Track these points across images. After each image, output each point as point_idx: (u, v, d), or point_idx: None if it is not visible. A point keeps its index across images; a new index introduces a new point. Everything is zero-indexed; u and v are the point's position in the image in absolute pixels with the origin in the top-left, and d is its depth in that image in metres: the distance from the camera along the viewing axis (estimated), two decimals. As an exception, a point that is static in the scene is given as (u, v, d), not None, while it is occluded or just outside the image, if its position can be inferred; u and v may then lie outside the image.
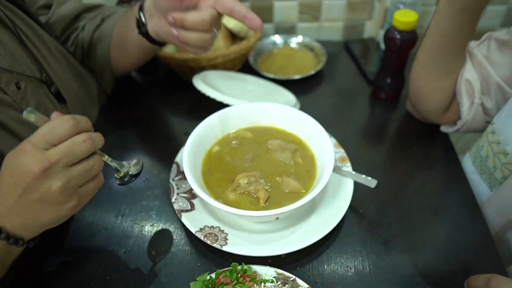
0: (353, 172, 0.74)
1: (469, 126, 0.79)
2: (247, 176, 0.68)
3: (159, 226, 0.71)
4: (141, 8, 0.76)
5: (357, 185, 0.73)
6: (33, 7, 0.80)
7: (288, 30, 1.25)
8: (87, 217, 0.72)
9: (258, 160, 0.73)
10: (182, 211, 0.69)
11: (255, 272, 0.59)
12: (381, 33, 1.14)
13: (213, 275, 0.58)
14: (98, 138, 0.51)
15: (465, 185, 0.77)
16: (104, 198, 0.75)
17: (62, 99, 0.75)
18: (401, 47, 0.87)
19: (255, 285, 0.56)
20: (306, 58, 1.12)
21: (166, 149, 0.84)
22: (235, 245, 0.63)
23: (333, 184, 0.73)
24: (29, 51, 0.69)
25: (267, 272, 0.60)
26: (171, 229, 0.71)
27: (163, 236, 0.70)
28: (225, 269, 0.59)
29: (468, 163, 0.79)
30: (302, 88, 1.01)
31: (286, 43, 1.17)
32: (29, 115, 0.48)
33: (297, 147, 0.74)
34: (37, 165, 0.45)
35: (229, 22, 0.99)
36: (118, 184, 0.58)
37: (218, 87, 0.89)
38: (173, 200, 0.70)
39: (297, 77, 1.03)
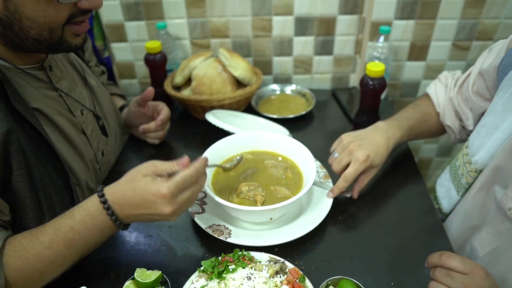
0: (331, 184, 0.92)
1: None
2: (248, 185, 0.86)
3: (175, 227, 0.87)
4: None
5: (337, 196, 0.90)
6: (89, 64, 1.04)
7: (284, 80, 1.48)
8: (130, 232, 0.89)
9: (256, 175, 0.91)
10: (195, 213, 0.86)
11: (253, 256, 0.75)
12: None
13: (219, 258, 0.73)
14: (203, 182, 0.73)
15: (424, 192, 0.95)
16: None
17: (105, 132, 0.96)
18: (373, 91, 1.08)
19: (252, 263, 0.72)
20: (299, 102, 1.34)
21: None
22: (237, 238, 0.80)
23: (317, 195, 0.90)
24: (90, 89, 0.91)
25: (262, 257, 0.76)
26: (185, 228, 0.87)
27: (178, 233, 0.86)
28: (229, 254, 0.75)
29: (446, 172, 0.97)
30: (294, 125, 1.21)
31: (282, 90, 1.40)
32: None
33: (287, 165, 0.93)
34: (168, 209, 0.67)
35: (236, 71, 1.22)
36: None
37: (226, 121, 1.09)
38: (187, 205, 0.88)
39: (290, 116, 1.24)
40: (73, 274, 0.74)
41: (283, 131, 1.14)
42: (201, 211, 0.87)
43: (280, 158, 0.96)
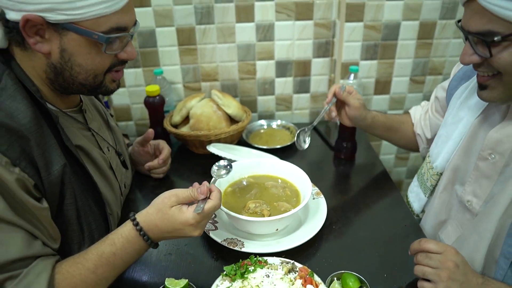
0: (323, 199, 1.06)
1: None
2: (254, 202, 0.99)
3: (190, 245, 0.98)
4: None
5: (329, 209, 1.05)
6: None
7: (268, 116, 1.66)
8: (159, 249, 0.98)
9: (259, 194, 1.04)
10: (209, 230, 0.97)
11: (266, 260, 0.87)
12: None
13: (239, 263, 0.85)
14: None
15: (401, 202, 1.11)
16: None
17: (126, 166, 1.08)
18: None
19: (268, 265, 0.84)
20: (284, 135, 1.51)
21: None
22: (250, 247, 0.92)
23: (313, 208, 1.05)
24: (111, 129, 1.03)
25: (274, 260, 0.87)
26: (199, 245, 0.98)
27: (194, 250, 0.96)
28: (246, 259, 0.86)
29: (415, 180, 1.14)
30: (282, 154, 1.37)
31: (269, 125, 1.57)
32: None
33: (285, 185, 1.07)
34: (195, 233, 0.80)
35: (229, 109, 1.38)
36: None
37: (224, 152, 1.24)
38: (201, 224, 0.99)
39: (278, 146, 1.40)
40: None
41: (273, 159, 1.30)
42: (214, 228, 0.98)
43: (279, 180, 1.10)
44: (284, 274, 0.81)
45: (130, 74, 1.52)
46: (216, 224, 1.00)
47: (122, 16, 0.76)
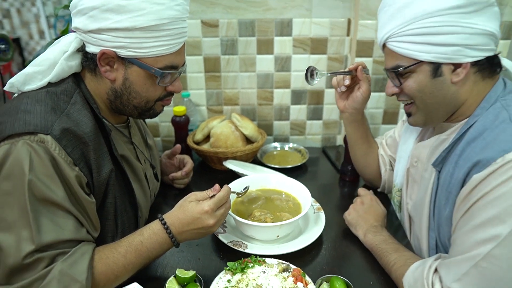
0: (323, 214, 1.18)
1: (389, 186, 1.29)
2: (259, 211, 1.12)
3: (201, 245, 1.11)
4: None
5: (328, 223, 1.16)
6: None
7: (283, 140, 1.80)
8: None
9: (265, 205, 1.17)
10: (219, 233, 1.10)
11: (265, 259, 0.99)
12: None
13: (240, 260, 0.97)
14: (230, 204, 1.00)
15: (395, 219, 1.21)
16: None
17: (157, 178, 1.25)
18: (354, 144, 1.40)
19: (265, 263, 0.96)
20: (296, 157, 1.64)
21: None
22: (252, 249, 1.04)
23: (313, 221, 1.16)
24: (147, 146, 1.21)
25: (272, 261, 0.99)
26: (208, 246, 1.11)
27: (204, 250, 1.09)
28: (247, 258, 0.99)
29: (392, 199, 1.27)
30: (292, 174, 1.49)
31: (282, 147, 1.71)
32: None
33: (289, 198, 1.20)
34: (211, 221, 0.93)
35: (246, 130, 1.54)
36: None
37: (238, 168, 1.38)
38: (212, 227, 1.13)
39: (289, 166, 1.53)
40: (127, 274, 0.97)
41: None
42: (223, 231, 1.12)
43: (283, 194, 1.23)
44: (279, 272, 0.93)
45: (161, 96, 1.71)
46: (225, 228, 1.13)
47: (176, 57, 0.95)
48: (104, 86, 0.96)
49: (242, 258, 0.98)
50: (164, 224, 0.93)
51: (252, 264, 0.95)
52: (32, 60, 1.48)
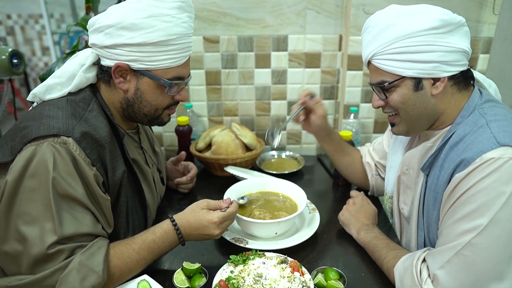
0: (318, 214, 1.27)
1: (377, 189, 1.38)
2: (259, 210, 1.22)
3: (205, 242, 1.20)
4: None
5: (322, 222, 1.25)
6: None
7: (280, 148, 1.90)
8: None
9: (264, 205, 1.27)
10: (221, 231, 1.19)
11: (264, 253, 1.07)
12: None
13: (242, 253, 1.06)
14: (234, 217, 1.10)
15: (385, 218, 1.30)
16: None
17: (163, 182, 1.34)
18: (345, 150, 1.50)
19: (265, 256, 1.05)
20: (292, 163, 1.74)
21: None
22: (252, 245, 1.13)
23: (308, 220, 1.26)
24: (154, 152, 1.30)
25: (271, 254, 1.08)
26: (212, 242, 1.19)
27: (207, 246, 1.18)
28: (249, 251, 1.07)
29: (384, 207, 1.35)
30: (289, 179, 1.57)
31: (279, 155, 1.81)
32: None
33: (286, 199, 1.30)
34: (217, 231, 1.03)
35: (245, 139, 1.64)
36: None
37: (239, 172, 1.48)
38: (215, 226, 1.21)
39: (286, 172, 1.63)
40: (138, 267, 1.05)
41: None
42: (226, 230, 1.20)
43: (280, 196, 1.32)
44: (277, 263, 1.02)
45: (165, 107, 1.81)
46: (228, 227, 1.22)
47: (182, 69, 1.06)
48: (117, 96, 1.06)
49: (244, 252, 1.07)
50: (175, 225, 1.02)
51: (253, 257, 1.04)
52: (43, 74, 1.59)
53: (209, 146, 1.69)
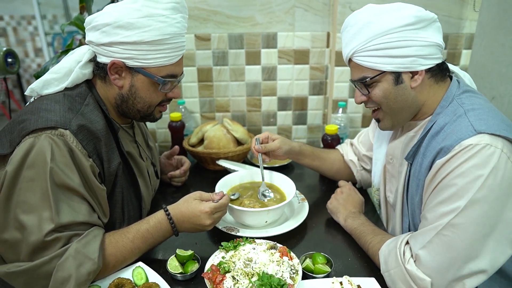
0: (307, 203, 1.32)
1: (365, 183, 1.43)
2: (249, 200, 1.26)
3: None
4: None
5: (311, 211, 1.30)
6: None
7: (271, 143, 1.94)
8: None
9: (254, 196, 1.31)
10: (213, 220, 1.23)
11: (254, 240, 1.12)
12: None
13: (233, 240, 1.10)
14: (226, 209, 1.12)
15: (373, 208, 1.35)
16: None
17: (158, 176, 1.39)
18: (330, 143, 1.55)
19: (255, 242, 1.09)
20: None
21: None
22: (243, 233, 1.17)
23: (297, 209, 1.30)
24: (148, 147, 1.35)
25: (261, 241, 1.12)
26: (205, 232, 1.24)
27: (200, 235, 1.22)
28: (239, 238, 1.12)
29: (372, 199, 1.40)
30: (280, 172, 1.64)
31: (270, 149, 1.85)
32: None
33: (275, 190, 1.34)
34: (208, 221, 1.05)
35: (237, 133, 1.68)
36: None
37: (230, 165, 1.52)
38: (207, 216, 1.26)
39: (276, 165, 1.67)
40: (133, 255, 1.09)
41: (271, 173, 1.57)
42: (217, 219, 1.25)
43: (270, 186, 1.37)
44: (267, 249, 1.06)
45: (158, 104, 1.85)
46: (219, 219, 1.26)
47: (175, 68, 1.10)
48: (112, 92, 1.10)
49: (235, 239, 1.11)
50: (168, 215, 1.06)
51: (243, 243, 1.08)
52: (37, 72, 1.63)
53: (201, 141, 1.73)
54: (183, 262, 1.07)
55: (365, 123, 1.87)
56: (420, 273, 0.91)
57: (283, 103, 1.88)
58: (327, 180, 1.61)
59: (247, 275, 0.95)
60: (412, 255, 0.95)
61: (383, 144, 1.27)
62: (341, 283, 0.97)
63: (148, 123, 1.87)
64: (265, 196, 1.30)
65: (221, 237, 1.20)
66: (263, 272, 0.96)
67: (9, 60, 1.78)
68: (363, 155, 1.43)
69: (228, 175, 1.36)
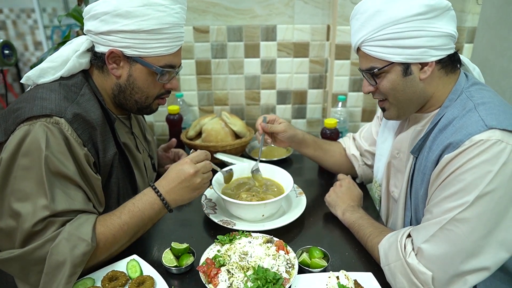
0: (304, 197, 1.31)
1: (365, 178, 1.41)
2: (246, 194, 1.25)
3: (193, 226, 1.23)
4: None
5: (308, 205, 1.28)
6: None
7: (270, 137, 1.93)
8: (167, 225, 1.24)
9: (252, 189, 1.29)
10: (209, 214, 1.22)
11: (251, 233, 1.10)
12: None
13: (229, 234, 1.09)
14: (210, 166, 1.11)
15: (371, 202, 1.34)
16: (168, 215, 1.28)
17: (155, 169, 1.38)
18: (329, 137, 1.54)
19: (251, 236, 1.08)
20: (281, 151, 1.77)
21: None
22: (239, 226, 1.16)
23: (295, 203, 1.29)
24: (146, 139, 1.33)
25: (257, 234, 1.11)
26: (199, 226, 1.22)
27: (196, 229, 1.21)
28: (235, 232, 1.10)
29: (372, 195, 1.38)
30: (278, 166, 1.62)
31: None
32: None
33: (273, 183, 1.33)
34: (191, 170, 1.04)
35: (235, 127, 1.67)
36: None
37: (228, 158, 1.51)
38: (204, 209, 1.24)
39: (275, 159, 1.66)
40: (127, 248, 1.07)
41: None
42: (214, 212, 1.24)
43: (268, 180, 1.35)
44: (263, 243, 1.05)
45: (156, 97, 1.84)
46: (215, 210, 1.25)
47: (174, 58, 1.09)
48: (109, 82, 1.09)
49: (231, 232, 1.10)
50: (152, 185, 1.04)
51: (239, 236, 1.07)
52: (34, 63, 1.61)
53: (199, 134, 1.72)
54: (178, 255, 1.05)
55: (365, 117, 1.85)
56: (421, 267, 0.90)
57: (282, 97, 1.86)
58: (326, 174, 1.59)
59: (242, 269, 0.94)
60: (413, 249, 0.93)
61: (388, 139, 1.24)
62: (337, 277, 0.95)
63: (146, 116, 1.87)
64: (256, 172, 1.32)
65: (217, 230, 1.19)
66: (258, 266, 0.94)
67: (6, 52, 1.76)
68: (365, 150, 1.41)
69: (228, 167, 1.35)
